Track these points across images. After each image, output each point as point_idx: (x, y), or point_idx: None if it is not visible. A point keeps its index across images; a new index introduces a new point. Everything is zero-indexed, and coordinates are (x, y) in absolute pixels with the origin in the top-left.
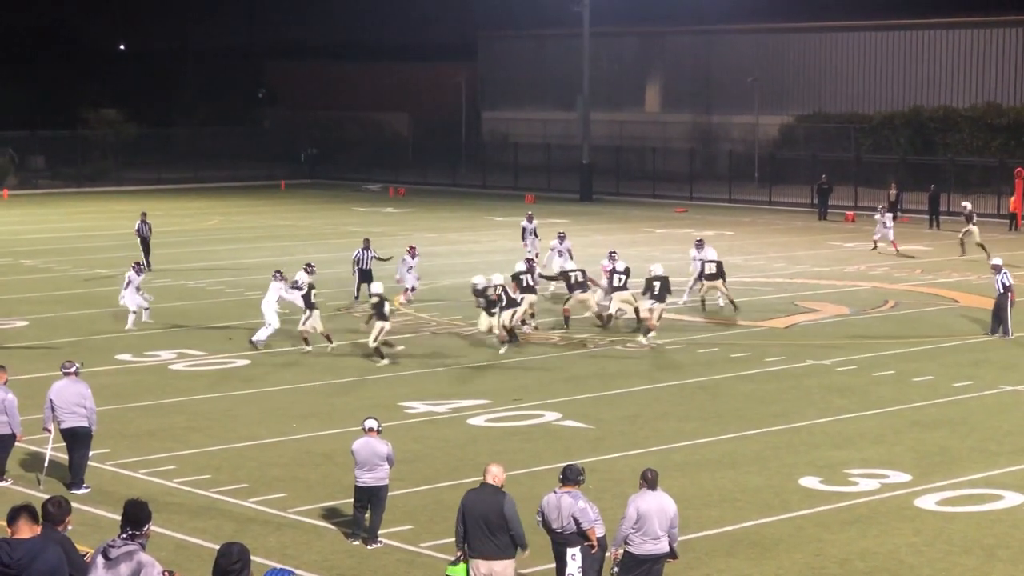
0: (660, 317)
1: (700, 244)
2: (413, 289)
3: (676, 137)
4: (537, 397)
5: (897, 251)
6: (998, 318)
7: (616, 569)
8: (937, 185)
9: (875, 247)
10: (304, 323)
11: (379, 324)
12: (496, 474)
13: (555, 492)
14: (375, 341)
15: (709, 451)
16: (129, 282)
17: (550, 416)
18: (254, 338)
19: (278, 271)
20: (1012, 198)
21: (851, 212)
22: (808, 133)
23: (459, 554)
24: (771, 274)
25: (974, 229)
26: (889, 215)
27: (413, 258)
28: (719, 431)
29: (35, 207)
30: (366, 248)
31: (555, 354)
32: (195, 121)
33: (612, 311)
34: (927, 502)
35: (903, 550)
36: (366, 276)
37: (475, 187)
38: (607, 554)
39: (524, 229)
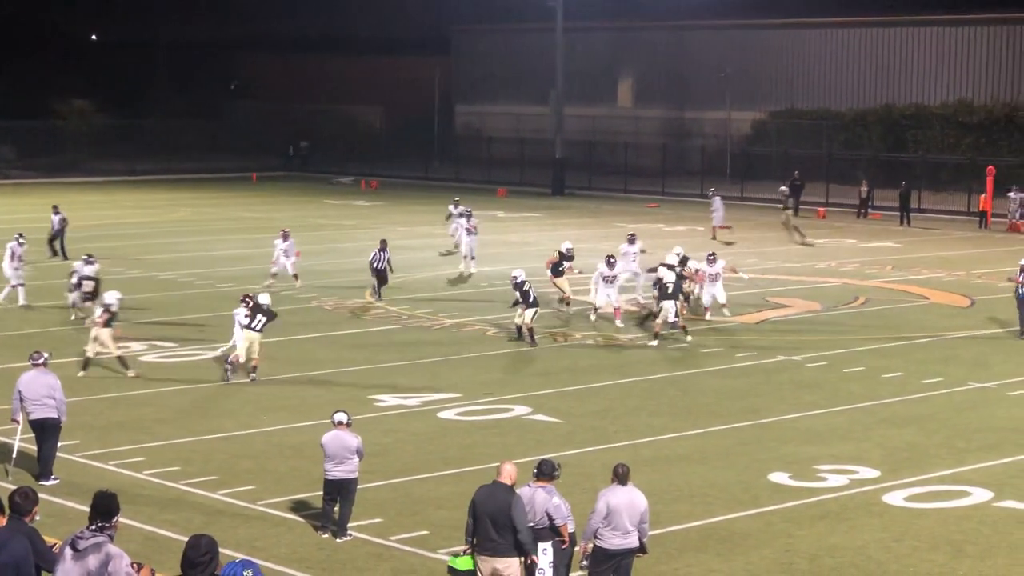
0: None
1: (632, 239)
2: (296, 276)
3: (648, 132)
4: (507, 391)
5: (714, 237)
6: None
7: (585, 563)
8: (908, 182)
9: (714, 235)
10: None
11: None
12: (510, 472)
13: (529, 486)
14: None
15: (679, 446)
16: (12, 254)
17: (520, 410)
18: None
19: (247, 296)
20: (982, 196)
21: (823, 208)
22: (780, 129)
23: (466, 547)
24: (743, 269)
25: (788, 213)
26: (718, 198)
27: (285, 241)
28: (689, 426)
29: (5, 197)
30: (383, 249)
31: (525, 348)
32: (167, 113)
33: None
34: (895, 498)
35: (871, 546)
36: (382, 277)
37: (448, 181)
38: (576, 548)
39: (450, 214)
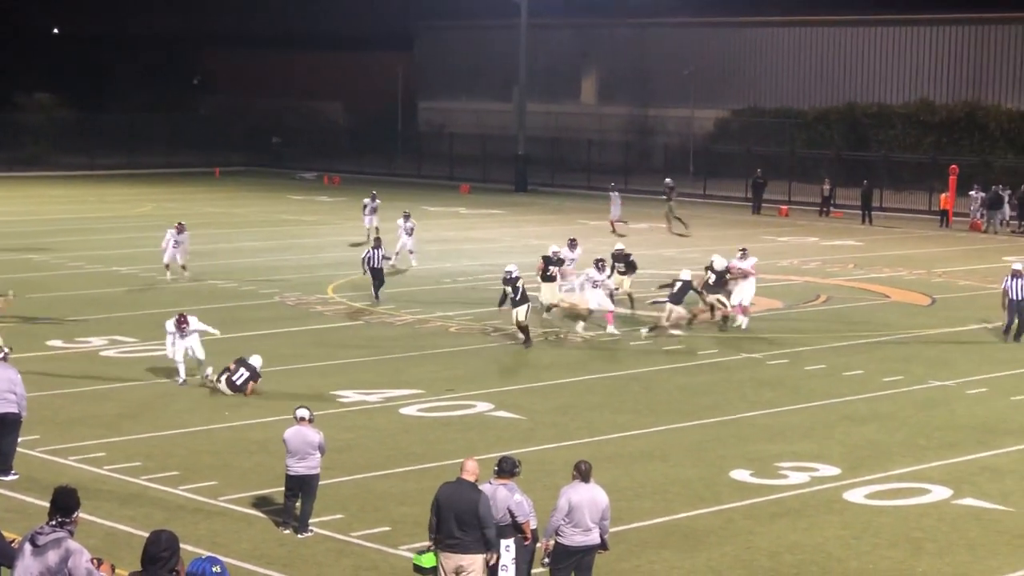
0: (674, 320)
1: (573, 244)
2: (184, 267)
3: (612, 129)
4: (470, 387)
5: (613, 230)
6: None
7: (547, 560)
8: (870, 181)
9: (613, 229)
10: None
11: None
12: (472, 469)
13: (490, 483)
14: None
15: (641, 443)
16: None
17: (482, 407)
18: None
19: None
20: (944, 195)
21: (785, 206)
22: (743, 127)
23: (429, 544)
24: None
25: (672, 205)
26: (616, 193)
27: (180, 234)
28: (651, 423)
29: None
30: (377, 247)
31: (488, 344)
32: (130, 107)
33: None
34: (856, 495)
35: (831, 543)
36: (378, 275)
37: (411, 177)
38: (538, 545)
39: (365, 206)
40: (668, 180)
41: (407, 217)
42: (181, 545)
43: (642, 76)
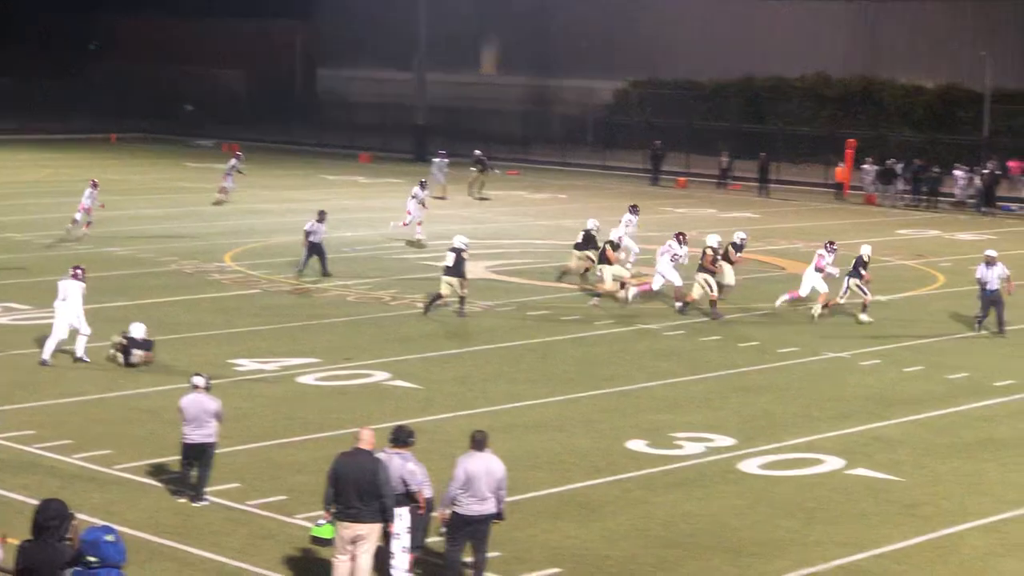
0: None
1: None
2: (79, 224)
3: (511, 99)
4: (367, 356)
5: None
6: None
7: (443, 529)
8: (767, 154)
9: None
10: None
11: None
12: (368, 438)
13: (385, 452)
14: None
15: (538, 413)
16: None
17: (380, 376)
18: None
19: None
20: (839, 168)
21: (683, 178)
22: (642, 99)
23: (326, 515)
24: (603, 238)
25: (481, 176)
26: (443, 160)
27: (94, 189)
28: (548, 393)
29: None
30: (320, 220)
31: (386, 314)
32: (26, 72)
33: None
34: (750, 466)
35: (726, 512)
36: (317, 249)
37: (310, 145)
38: (434, 514)
39: (232, 167)
40: (478, 152)
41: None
42: (76, 514)
43: (541, 47)
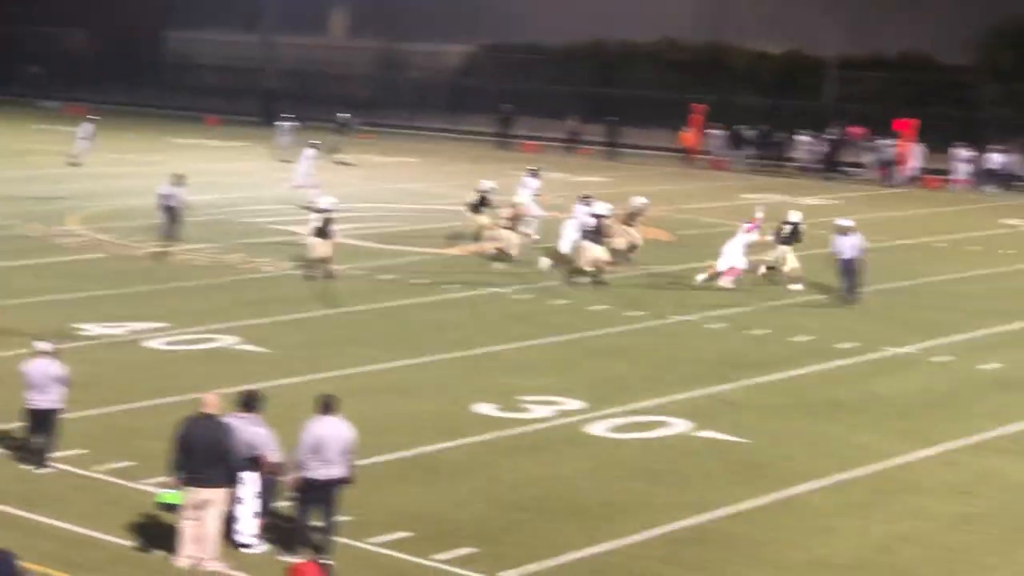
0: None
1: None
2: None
3: (361, 63)
4: (216, 320)
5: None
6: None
7: (292, 494)
8: (617, 118)
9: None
10: None
11: None
12: (213, 403)
13: (233, 417)
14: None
15: (387, 377)
16: None
17: (229, 340)
18: None
19: None
20: (687, 132)
21: (532, 142)
22: (492, 63)
23: (173, 481)
24: (453, 202)
25: (341, 140)
26: (289, 124)
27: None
28: (397, 357)
29: None
30: (177, 184)
31: (235, 278)
32: None
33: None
34: (598, 429)
35: (574, 475)
36: (174, 214)
37: (157, 108)
38: (283, 479)
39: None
40: (343, 115)
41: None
42: None
43: (390, 10)
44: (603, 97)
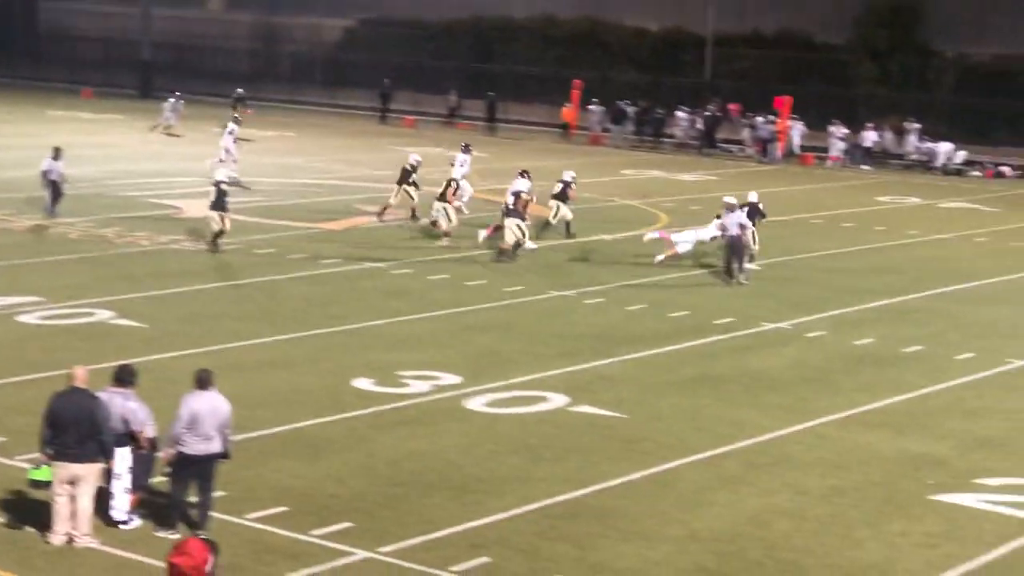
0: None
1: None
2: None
3: (239, 36)
4: (91, 295)
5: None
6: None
7: (168, 469)
8: (496, 93)
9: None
10: None
11: None
12: (82, 376)
13: (106, 391)
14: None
15: (264, 352)
16: None
17: (104, 314)
18: None
19: None
20: (565, 108)
21: (411, 117)
22: (371, 37)
23: (43, 457)
24: (331, 176)
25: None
26: (175, 101)
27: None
28: (275, 332)
29: None
30: (56, 157)
31: (111, 252)
32: None
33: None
34: (477, 403)
35: (452, 450)
36: (55, 188)
37: (31, 80)
38: (158, 454)
39: None
40: (239, 90)
41: None
42: None
43: None
44: (482, 72)
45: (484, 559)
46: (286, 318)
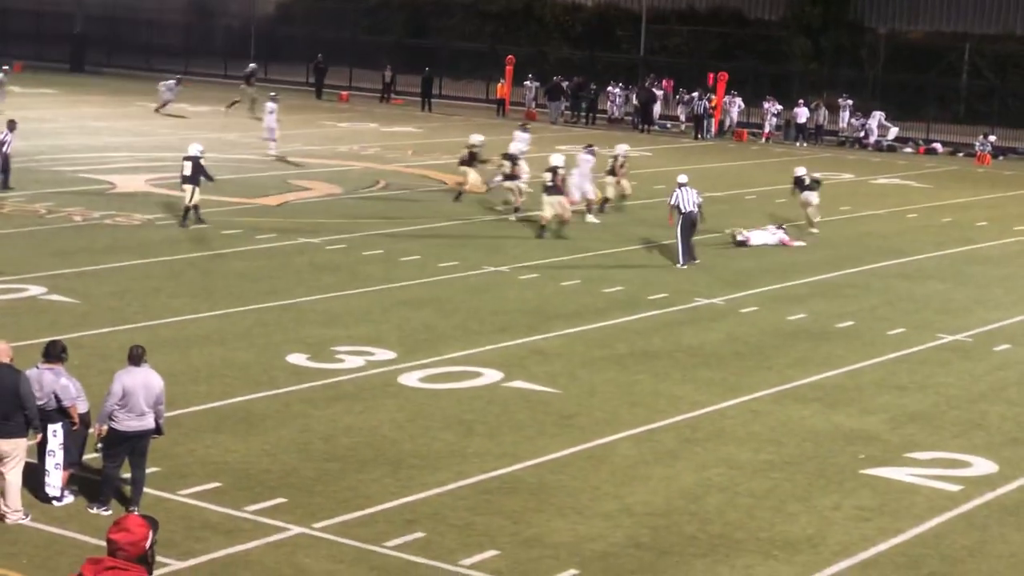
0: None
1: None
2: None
3: (173, 10)
4: (22, 271)
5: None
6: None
7: (100, 445)
8: (430, 69)
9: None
10: None
11: None
12: (4, 350)
13: (37, 367)
14: None
15: (198, 327)
16: None
17: (35, 290)
18: None
19: None
20: (500, 84)
21: (346, 92)
22: (306, 11)
23: None
24: (264, 151)
25: (250, 91)
26: (172, 82)
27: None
28: (209, 307)
29: None
30: (11, 130)
31: (42, 227)
32: None
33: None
34: (411, 379)
35: (386, 426)
36: (6, 162)
37: None
38: (91, 431)
39: None
40: (252, 65)
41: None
42: None
43: None
44: (417, 48)
45: (419, 534)
46: (220, 294)
